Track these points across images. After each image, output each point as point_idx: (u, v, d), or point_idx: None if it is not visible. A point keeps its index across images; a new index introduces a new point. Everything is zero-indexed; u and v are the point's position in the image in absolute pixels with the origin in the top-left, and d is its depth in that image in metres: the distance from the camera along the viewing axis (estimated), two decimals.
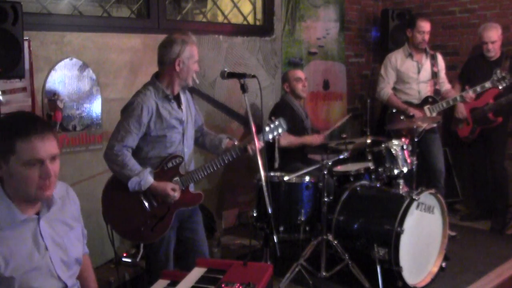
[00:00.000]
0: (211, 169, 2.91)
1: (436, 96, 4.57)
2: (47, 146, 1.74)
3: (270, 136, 3.07)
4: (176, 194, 2.83)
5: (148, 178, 2.76)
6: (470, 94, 4.38)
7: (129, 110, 2.79)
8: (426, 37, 4.56)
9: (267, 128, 3.06)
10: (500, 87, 4.37)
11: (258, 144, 2.80)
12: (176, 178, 2.87)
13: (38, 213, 1.84)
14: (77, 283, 1.99)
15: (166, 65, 2.85)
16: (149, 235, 2.85)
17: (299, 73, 4.50)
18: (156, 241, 2.89)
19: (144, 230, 2.83)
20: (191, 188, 2.99)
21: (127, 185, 2.75)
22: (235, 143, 3.04)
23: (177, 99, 2.93)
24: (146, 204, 2.84)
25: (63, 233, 1.92)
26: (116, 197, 2.86)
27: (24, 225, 1.79)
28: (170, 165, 2.86)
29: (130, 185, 2.74)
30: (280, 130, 3.08)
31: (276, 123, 3.07)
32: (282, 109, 4.41)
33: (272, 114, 4.47)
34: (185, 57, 2.82)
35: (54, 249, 1.85)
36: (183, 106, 2.94)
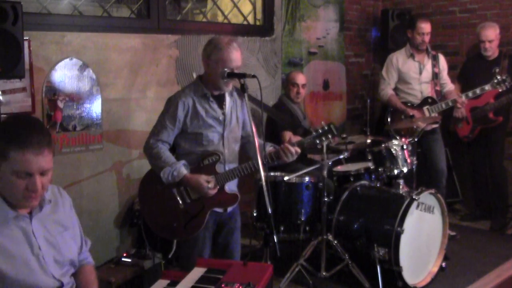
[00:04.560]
0: (248, 170, 2.85)
1: (436, 97, 4.57)
2: (40, 162, 1.72)
3: (317, 141, 2.96)
4: (211, 186, 2.78)
5: (181, 169, 2.77)
6: (462, 99, 4.41)
7: (167, 106, 2.88)
8: (426, 38, 4.56)
9: (314, 132, 2.96)
10: (500, 90, 4.37)
11: (257, 143, 2.78)
12: (212, 176, 2.83)
13: (30, 212, 1.84)
14: (72, 281, 1.97)
15: (202, 64, 2.91)
16: (182, 232, 2.85)
17: (298, 78, 4.46)
18: (190, 240, 2.88)
19: (176, 226, 2.83)
20: (230, 188, 2.94)
21: (161, 178, 2.77)
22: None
23: (219, 99, 2.90)
24: (179, 199, 2.84)
25: (57, 233, 1.91)
26: (150, 191, 2.89)
27: (15, 222, 1.79)
28: (206, 162, 2.84)
29: (163, 175, 2.76)
30: (330, 136, 2.94)
31: (326, 128, 2.94)
32: (279, 110, 4.42)
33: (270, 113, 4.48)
34: (213, 61, 2.81)
35: (47, 248, 1.84)
36: (227, 107, 2.91)
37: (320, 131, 2.96)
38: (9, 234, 1.77)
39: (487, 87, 4.35)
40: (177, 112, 2.81)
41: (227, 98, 2.94)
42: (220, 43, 2.80)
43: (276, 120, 4.26)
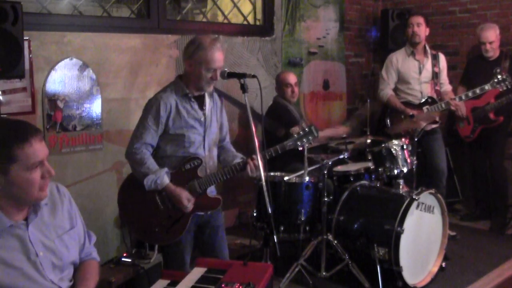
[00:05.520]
0: (230, 173, 2.84)
1: (436, 97, 4.57)
2: (44, 147, 1.78)
3: (299, 143, 2.98)
4: (190, 206, 2.77)
5: (164, 178, 2.73)
6: (456, 102, 4.43)
7: (147, 107, 2.83)
8: (417, 29, 4.52)
9: (295, 135, 2.99)
10: (500, 89, 4.37)
11: (257, 143, 2.78)
12: (193, 181, 2.81)
13: (26, 219, 1.82)
14: (71, 284, 1.95)
15: (184, 64, 2.88)
16: (164, 236, 2.82)
17: (289, 78, 4.45)
18: (172, 243, 2.86)
19: (158, 231, 2.80)
20: (213, 192, 2.94)
21: (143, 184, 2.73)
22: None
23: (200, 99, 2.88)
24: (161, 204, 2.81)
25: (55, 236, 1.89)
26: (131, 197, 2.85)
27: (11, 231, 1.77)
28: (188, 166, 2.80)
29: (146, 183, 2.72)
30: (310, 138, 2.98)
31: (307, 130, 2.98)
32: (276, 111, 4.41)
33: (267, 116, 4.46)
34: (196, 61, 2.76)
35: (45, 254, 1.82)
36: (206, 108, 2.88)
37: (301, 133, 2.98)
38: (4, 244, 1.75)
39: (487, 86, 4.35)
40: (160, 113, 2.75)
41: (207, 100, 2.91)
42: (203, 43, 2.76)
43: (271, 132, 4.24)
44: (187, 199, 2.76)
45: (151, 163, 2.75)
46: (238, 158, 2.98)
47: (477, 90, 4.38)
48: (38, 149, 1.75)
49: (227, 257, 3.07)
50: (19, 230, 1.79)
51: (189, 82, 2.84)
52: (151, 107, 2.79)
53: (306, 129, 2.99)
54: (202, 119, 2.85)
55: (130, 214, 2.89)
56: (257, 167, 2.76)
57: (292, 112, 4.45)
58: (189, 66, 2.80)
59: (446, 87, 4.70)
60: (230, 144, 3.14)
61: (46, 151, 1.79)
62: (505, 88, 4.34)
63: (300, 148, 3.07)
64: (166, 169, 2.77)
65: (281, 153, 4.14)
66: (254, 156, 2.77)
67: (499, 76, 4.29)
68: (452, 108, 4.50)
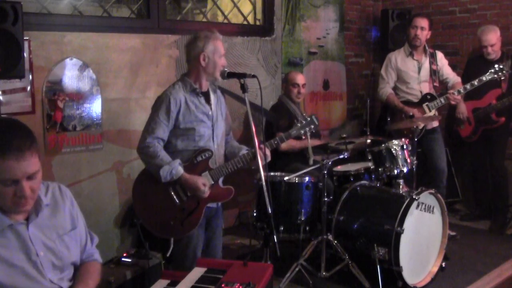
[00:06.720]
0: (241, 163, 2.94)
1: (435, 93, 4.56)
2: (23, 166, 1.65)
3: (302, 132, 3.17)
4: (207, 189, 2.85)
5: (178, 168, 2.80)
6: (454, 95, 4.39)
7: (158, 103, 2.89)
8: (420, 33, 4.52)
9: (298, 124, 3.16)
10: (498, 79, 4.35)
11: (258, 142, 2.80)
12: (206, 172, 2.89)
13: (27, 219, 1.80)
14: (70, 284, 1.94)
15: (192, 61, 2.93)
16: (179, 229, 2.88)
17: (298, 79, 4.48)
18: (186, 237, 2.92)
19: (173, 224, 2.86)
20: (221, 183, 3.02)
21: (158, 176, 2.78)
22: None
23: (206, 95, 2.96)
24: (175, 197, 2.87)
25: (56, 237, 1.88)
26: (145, 191, 2.91)
27: (11, 230, 1.76)
28: (199, 158, 2.89)
29: (162, 173, 2.77)
30: (312, 126, 3.18)
31: (308, 119, 3.16)
32: (279, 110, 4.43)
33: (270, 110, 4.48)
34: (209, 51, 2.87)
35: (45, 254, 1.82)
36: (212, 103, 2.97)
37: (304, 122, 3.18)
38: (4, 243, 1.74)
39: (485, 78, 4.29)
40: (170, 108, 2.83)
41: (212, 95, 3.00)
42: (208, 34, 2.90)
43: (273, 123, 4.29)
44: (203, 184, 2.83)
45: (164, 155, 2.82)
46: (244, 149, 3.07)
47: (475, 82, 4.33)
48: (13, 167, 1.63)
49: (220, 256, 3.15)
50: (20, 229, 1.78)
51: (199, 77, 2.92)
52: (162, 103, 2.85)
53: (308, 118, 3.17)
54: (210, 113, 2.93)
55: (145, 209, 2.93)
56: (266, 156, 2.88)
57: (293, 112, 4.45)
58: (203, 59, 2.88)
59: (453, 80, 4.63)
60: (233, 138, 3.25)
61: (28, 171, 1.67)
62: (503, 77, 4.31)
63: (304, 137, 3.27)
64: (178, 161, 2.84)
65: (281, 153, 4.17)
66: (262, 146, 2.86)
67: (495, 66, 4.27)
68: (452, 102, 4.46)
